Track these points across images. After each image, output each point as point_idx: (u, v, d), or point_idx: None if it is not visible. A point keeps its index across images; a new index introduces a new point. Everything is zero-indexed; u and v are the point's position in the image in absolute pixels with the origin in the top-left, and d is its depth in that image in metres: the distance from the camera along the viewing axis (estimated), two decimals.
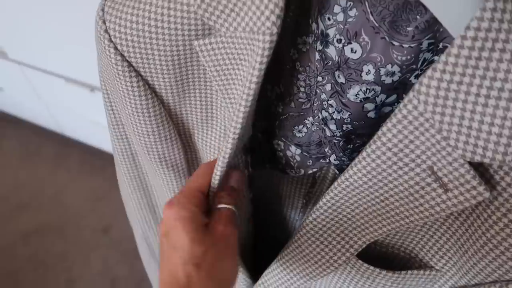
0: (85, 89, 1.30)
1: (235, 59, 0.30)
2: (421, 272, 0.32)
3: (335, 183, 0.30)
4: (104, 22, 0.31)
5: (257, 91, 0.28)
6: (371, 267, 0.33)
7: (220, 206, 0.33)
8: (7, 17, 1.20)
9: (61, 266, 1.41)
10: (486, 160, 0.23)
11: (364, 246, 0.32)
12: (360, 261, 0.33)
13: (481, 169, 0.25)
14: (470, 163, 0.24)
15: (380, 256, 0.35)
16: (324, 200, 0.32)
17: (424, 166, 0.26)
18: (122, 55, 0.32)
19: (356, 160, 0.28)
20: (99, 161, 1.69)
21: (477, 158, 0.23)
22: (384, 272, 0.33)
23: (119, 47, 0.32)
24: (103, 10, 0.31)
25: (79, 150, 1.74)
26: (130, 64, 0.33)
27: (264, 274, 0.41)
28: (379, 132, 0.26)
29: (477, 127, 0.23)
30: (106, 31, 0.31)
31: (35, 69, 1.37)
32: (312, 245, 0.34)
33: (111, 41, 0.32)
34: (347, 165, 0.36)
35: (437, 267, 0.32)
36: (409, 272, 0.33)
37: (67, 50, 1.19)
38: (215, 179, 0.33)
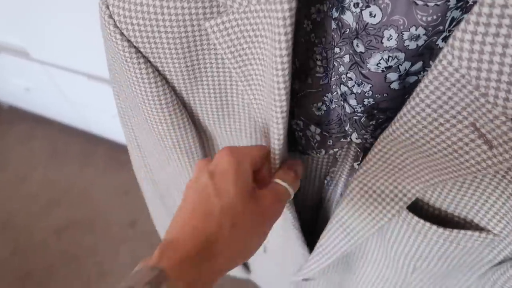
0: (107, 85, 1.31)
1: (251, 37, 0.28)
2: (476, 234, 0.31)
3: (381, 137, 0.30)
4: (107, 7, 0.30)
5: (290, 64, 0.26)
6: (421, 221, 0.33)
7: (277, 180, 0.31)
8: (28, 17, 1.21)
9: (92, 260, 1.44)
10: None
11: (415, 196, 0.31)
12: (411, 213, 0.33)
13: None
14: None
15: (434, 220, 0.34)
16: (372, 153, 0.31)
17: (466, 123, 0.24)
18: (129, 41, 0.31)
19: (398, 116, 0.27)
20: (124, 156, 1.71)
21: None
22: (434, 227, 0.32)
23: (125, 32, 0.30)
24: (107, 6, 0.30)
25: (105, 146, 1.76)
26: (138, 50, 0.31)
27: (321, 236, 0.40)
28: (417, 89, 0.25)
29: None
30: (110, 16, 0.30)
31: (58, 67, 1.39)
32: (365, 196, 0.34)
33: (116, 26, 0.30)
34: (370, 144, 0.34)
35: (495, 231, 0.31)
36: (462, 231, 0.32)
37: (88, 47, 1.20)
38: (275, 163, 0.32)
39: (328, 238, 0.40)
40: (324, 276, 0.49)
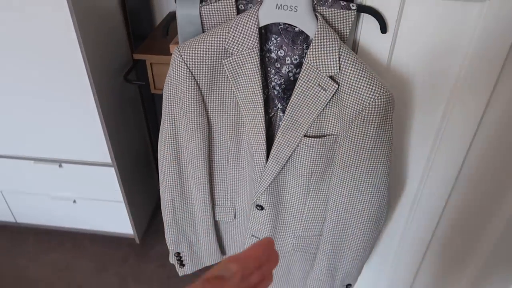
0: (55, 165, 1.59)
1: (240, 65, 0.76)
2: (329, 137, 0.80)
3: (288, 106, 0.77)
4: (182, 56, 0.76)
5: (261, 75, 0.75)
6: (311, 138, 0.79)
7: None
8: None
9: None
10: (332, 73, 0.72)
11: (305, 132, 0.78)
12: (305, 137, 0.79)
13: (333, 77, 0.74)
14: (329, 77, 0.73)
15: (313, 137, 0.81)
16: (285, 116, 0.78)
17: (317, 84, 0.74)
18: (190, 71, 0.76)
19: (294, 91, 0.76)
20: (55, 239, 1.87)
21: (330, 74, 0.73)
22: (316, 139, 0.79)
23: (189, 66, 0.76)
24: (179, 51, 0.76)
25: (34, 233, 1.89)
26: (192, 75, 0.77)
27: (267, 164, 0.84)
28: (299, 77, 0.74)
29: (323, 62, 0.72)
30: (184, 60, 0.76)
31: (1, 157, 1.61)
32: (284, 137, 0.80)
33: (186, 64, 0.76)
34: (285, 108, 0.83)
35: (334, 133, 0.80)
36: (325, 137, 0.79)
37: (34, 133, 1.49)
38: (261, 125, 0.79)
39: (270, 164, 0.85)
40: (269, 205, 0.92)
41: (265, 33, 0.77)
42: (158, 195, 2.04)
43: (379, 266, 1.20)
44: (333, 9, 0.73)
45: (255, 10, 0.72)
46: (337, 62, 0.72)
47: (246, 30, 0.73)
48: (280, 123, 0.83)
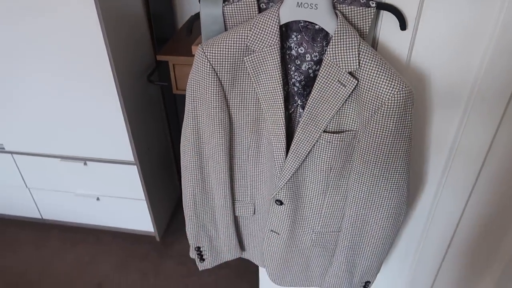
0: (80, 162, 1.64)
1: (261, 63, 0.78)
2: (348, 132, 0.81)
3: (308, 102, 0.79)
4: (205, 53, 0.78)
5: (281, 71, 0.77)
6: (330, 134, 0.81)
7: None
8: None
9: None
10: (351, 69, 0.74)
11: (325, 127, 0.80)
12: (325, 133, 0.81)
13: (352, 73, 0.75)
14: (349, 73, 0.75)
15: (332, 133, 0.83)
16: (305, 111, 0.80)
17: (336, 80, 0.76)
18: (213, 67, 0.79)
19: (314, 87, 0.77)
20: (79, 235, 1.92)
21: (349, 70, 0.74)
22: (335, 135, 0.81)
23: (211, 63, 0.79)
24: (203, 49, 0.79)
25: (58, 230, 1.95)
26: (215, 71, 0.79)
27: (287, 160, 0.86)
28: (319, 73, 0.76)
29: (342, 59, 0.74)
30: (207, 57, 0.78)
31: (30, 155, 1.67)
32: (303, 133, 0.82)
33: (209, 61, 0.78)
34: (305, 104, 0.85)
35: (353, 129, 0.81)
36: (344, 133, 0.81)
37: (60, 132, 1.55)
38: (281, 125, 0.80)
39: (289, 159, 0.87)
40: (288, 200, 0.94)
41: (285, 30, 0.79)
42: (179, 194, 2.08)
43: (399, 266, 1.19)
44: (352, 7, 0.74)
45: (276, 9, 0.75)
46: (357, 58, 0.73)
47: (267, 28, 0.75)
48: (300, 119, 0.85)
